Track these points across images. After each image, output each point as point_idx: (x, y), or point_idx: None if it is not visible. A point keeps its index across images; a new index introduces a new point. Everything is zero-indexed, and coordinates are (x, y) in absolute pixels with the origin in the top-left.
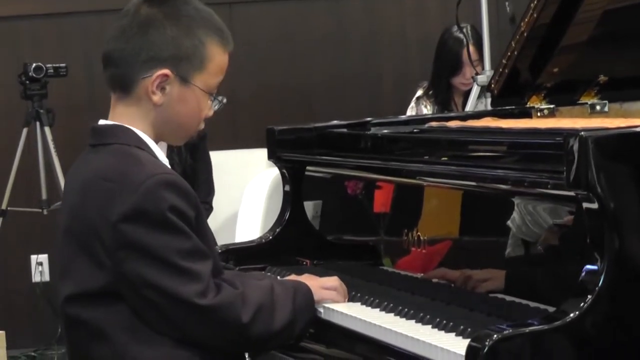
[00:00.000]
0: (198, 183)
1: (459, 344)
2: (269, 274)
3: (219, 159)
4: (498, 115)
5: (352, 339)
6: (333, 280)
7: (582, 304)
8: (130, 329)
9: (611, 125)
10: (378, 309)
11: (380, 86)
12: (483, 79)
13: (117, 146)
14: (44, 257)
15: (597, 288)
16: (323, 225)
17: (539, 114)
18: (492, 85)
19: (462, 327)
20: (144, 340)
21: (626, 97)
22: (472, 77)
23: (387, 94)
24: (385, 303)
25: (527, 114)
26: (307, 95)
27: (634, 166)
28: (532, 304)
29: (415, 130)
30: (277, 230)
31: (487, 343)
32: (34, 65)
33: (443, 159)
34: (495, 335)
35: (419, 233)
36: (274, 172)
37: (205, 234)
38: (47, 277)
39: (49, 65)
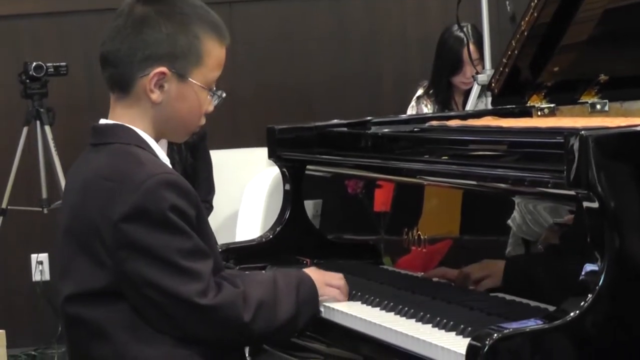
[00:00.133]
0: (198, 182)
1: (459, 343)
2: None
3: (219, 158)
4: (498, 115)
5: (352, 338)
6: (338, 278)
7: (582, 303)
8: (131, 327)
9: (611, 125)
10: (378, 308)
11: (381, 85)
12: (483, 78)
13: (118, 145)
14: (44, 256)
15: (597, 287)
16: (323, 224)
17: (539, 113)
18: (493, 84)
19: (462, 326)
20: (145, 339)
21: (626, 96)
22: (473, 76)
23: (387, 93)
24: (386, 302)
25: (527, 113)
26: (307, 94)
27: (635, 165)
28: (533, 303)
29: (415, 130)
30: (278, 229)
31: (487, 342)
32: (34, 64)
33: (443, 158)
34: (495, 335)
35: (419, 232)
36: (274, 171)
37: (206, 233)
38: (47, 276)
39: (49, 64)
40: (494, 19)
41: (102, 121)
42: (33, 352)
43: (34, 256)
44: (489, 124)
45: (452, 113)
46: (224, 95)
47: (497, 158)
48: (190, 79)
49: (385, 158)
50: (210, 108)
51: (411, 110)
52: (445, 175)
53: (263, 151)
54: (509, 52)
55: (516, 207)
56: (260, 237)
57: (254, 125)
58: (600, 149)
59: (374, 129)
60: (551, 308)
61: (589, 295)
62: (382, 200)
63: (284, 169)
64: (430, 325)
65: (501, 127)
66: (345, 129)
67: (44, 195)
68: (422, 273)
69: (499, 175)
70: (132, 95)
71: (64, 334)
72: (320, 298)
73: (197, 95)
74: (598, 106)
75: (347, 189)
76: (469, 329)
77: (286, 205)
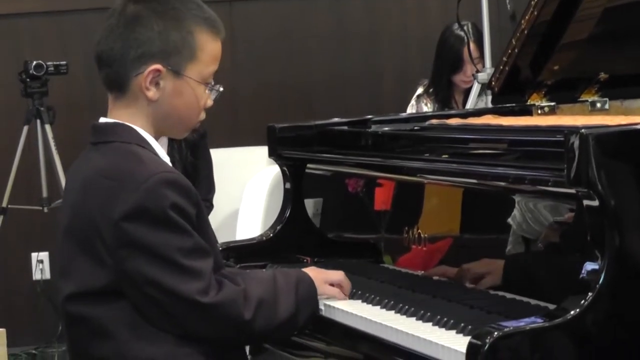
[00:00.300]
0: (199, 181)
1: (460, 342)
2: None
3: (219, 156)
4: (499, 113)
5: (352, 337)
6: (338, 275)
7: (582, 302)
8: (132, 326)
9: (612, 123)
10: (379, 307)
11: (381, 84)
12: (484, 76)
13: (118, 144)
14: (44, 255)
15: (597, 285)
16: (324, 222)
17: (539, 112)
18: (493, 83)
19: (462, 324)
20: (146, 337)
21: (627, 94)
22: (473, 75)
23: (387, 91)
24: (386, 300)
25: (527, 111)
26: (307, 93)
27: (635, 164)
28: (533, 302)
29: (415, 128)
30: (278, 227)
31: (487, 340)
32: (34, 63)
33: (444, 156)
34: (495, 333)
35: (419, 230)
36: (274, 170)
37: (207, 232)
38: (47, 275)
39: (49, 63)
40: (494, 18)
41: (102, 120)
42: (33, 351)
43: (34, 255)
44: (489, 122)
45: (453, 111)
46: (221, 89)
47: (498, 156)
48: (185, 75)
49: (385, 156)
50: (210, 103)
51: (411, 109)
52: (445, 173)
53: (263, 150)
54: (509, 51)
55: (516, 205)
56: (261, 235)
57: (254, 124)
58: (600, 147)
59: (374, 128)
60: (551, 306)
61: (589, 294)
62: (382, 198)
63: (285, 168)
64: (430, 323)
65: (501, 126)
66: (345, 127)
67: (45, 194)
68: (423, 271)
69: (499, 173)
70: (129, 94)
71: (64, 332)
72: (319, 297)
73: (194, 90)
74: (598, 104)
75: (348, 187)
76: (470, 327)
77: (286, 204)
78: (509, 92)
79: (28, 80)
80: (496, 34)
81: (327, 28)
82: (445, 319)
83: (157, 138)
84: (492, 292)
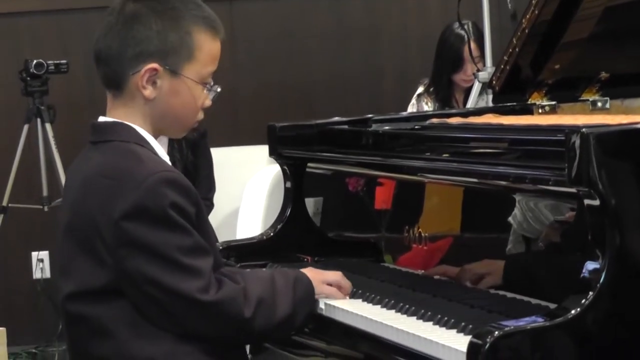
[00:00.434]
0: (199, 180)
1: (460, 341)
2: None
3: (220, 155)
4: (499, 112)
5: (353, 336)
6: (335, 275)
7: (583, 301)
8: (132, 324)
9: (612, 122)
10: (379, 306)
11: (381, 83)
12: (484, 75)
13: (117, 143)
14: (44, 254)
15: (598, 285)
16: (324, 222)
17: (540, 111)
18: (494, 82)
19: (463, 323)
20: (146, 336)
21: (627, 93)
22: (473, 74)
23: (388, 91)
24: (387, 300)
25: (528, 110)
26: (307, 92)
27: (635, 163)
28: (534, 301)
29: (416, 127)
30: (278, 227)
31: (488, 340)
32: (34, 61)
33: (444, 155)
34: (496, 332)
35: (420, 230)
36: (275, 169)
37: (206, 231)
38: (47, 274)
39: (49, 62)
40: (494, 17)
41: (101, 119)
42: (34, 350)
43: (34, 254)
44: (489, 121)
45: (453, 110)
46: (219, 89)
47: (498, 155)
48: (182, 75)
49: (386, 156)
50: (208, 103)
51: (412, 108)
52: (446, 172)
53: (264, 149)
54: (510, 50)
55: (517, 204)
56: (261, 234)
57: (254, 123)
58: (601, 146)
59: (374, 127)
60: (552, 306)
61: (590, 293)
62: (382, 197)
63: (285, 167)
64: (431, 322)
65: (502, 125)
66: (346, 126)
67: (45, 193)
68: (423, 271)
69: (499, 172)
70: (126, 93)
71: (64, 331)
72: (317, 296)
73: (191, 90)
74: (599, 104)
75: (348, 186)
76: (470, 326)
77: (287, 203)
78: (510, 91)
79: (28, 79)
80: (497, 33)
81: (328, 27)
82: (445, 318)
83: (156, 137)
84: (492, 291)
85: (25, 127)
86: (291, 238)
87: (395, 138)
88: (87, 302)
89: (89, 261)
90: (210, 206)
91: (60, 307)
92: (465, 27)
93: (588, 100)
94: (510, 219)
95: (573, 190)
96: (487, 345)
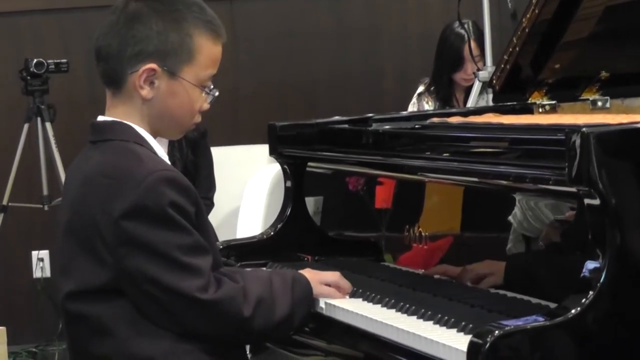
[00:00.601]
0: (199, 179)
1: (461, 340)
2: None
3: (220, 155)
4: (500, 111)
5: (353, 335)
6: (332, 275)
7: (583, 300)
8: (132, 324)
9: (613, 122)
10: (379, 305)
11: (382, 82)
12: (484, 74)
13: (117, 142)
14: (45, 253)
15: (598, 284)
16: (324, 221)
17: (540, 110)
18: (494, 81)
19: (463, 323)
20: (146, 334)
21: (628, 93)
22: (474, 73)
23: (388, 90)
24: (387, 299)
25: (528, 110)
26: (308, 91)
27: (636, 162)
28: (534, 300)
29: (416, 126)
30: (279, 226)
31: (488, 339)
32: (35, 61)
33: (444, 155)
34: (496, 332)
35: (420, 229)
36: (275, 168)
37: (206, 230)
38: (48, 273)
39: (50, 61)
40: (495, 16)
41: (101, 118)
42: (34, 349)
43: (34, 253)
44: (490, 120)
45: (453, 110)
46: (217, 93)
47: (498, 155)
48: (180, 77)
49: (386, 155)
50: (206, 106)
51: (412, 107)
52: (446, 172)
53: (264, 148)
54: (510, 49)
55: (517, 203)
56: (262, 234)
57: (254, 122)
58: (601, 145)
59: (375, 126)
60: (552, 305)
61: (590, 293)
62: (383, 197)
63: (285, 166)
64: (431, 322)
65: (502, 124)
66: (346, 125)
67: (45, 192)
68: (423, 270)
69: (500, 172)
70: (124, 91)
71: (64, 330)
72: (315, 297)
73: (188, 92)
74: (599, 103)
75: (348, 185)
76: (470, 326)
77: (287, 202)
78: (510, 91)
79: (29, 78)
80: (497, 32)
81: (328, 27)
82: (446, 317)
83: (155, 137)
84: (492, 290)
85: (26, 126)
86: (291, 237)
87: (395, 137)
88: (87, 301)
89: (89, 260)
90: (210, 205)
91: (60, 306)
92: (466, 26)
93: (588, 99)
94: (510, 218)
95: (573, 189)
96: (488, 344)
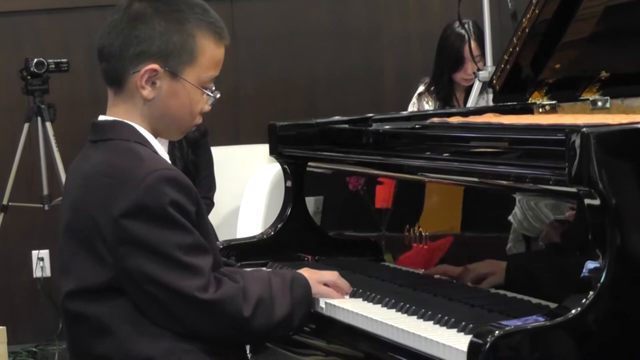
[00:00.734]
0: (200, 179)
1: (461, 340)
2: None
3: (220, 154)
4: (500, 111)
5: (353, 335)
6: (331, 275)
7: (583, 300)
8: (132, 323)
9: (613, 122)
10: (380, 305)
11: (382, 82)
12: (485, 74)
13: (117, 142)
14: (45, 253)
15: (598, 284)
16: (324, 220)
17: (540, 110)
18: (494, 81)
19: (463, 323)
20: (146, 333)
21: (628, 93)
22: (474, 73)
23: (388, 89)
24: (387, 299)
25: (528, 109)
26: (308, 91)
27: (636, 162)
28: (534, 300)
29: (416, 126)
30: (279, 225)
31: (488, 339)
32: (35, 60)
33: (445, 154)
34: (497, 332)
35: (420, 229)
36: (275, 168)
37: (206, 229)
38: (48, 273)
39: (50, 61)
40: (495, 16)
41: (101, 117)
42: (34, 349)
43: (34, 252)
44: (490, 120)
45: (454, 110)
46: (218, 95)
47: (499, 155)
48: (182, 78)
49: (386, 155)
50: (207, 108)
51: (412, 107)
52: (446, 172)
53: (264, 148)
54: (511, 49)
55: (517, 203)
56: (262, 233)
57: (255, 122)
58: (601, 145)
59: (375, 126)
60: (552, 305)
61: (591, 293)
62: (383, 197)
63: (286, 166)
64: (431, 322)
65: (502, 124)
66: (346, 125)
67: (45, 191)
68: (424, 270)
69: (500, 172)
70: (126, 91)
71: (64, 330)
72: (314, 297)
73: (190, 93)
74: (599, 103)
75: (349, 185)
76: (471, 326)
77: (287, 202)
78: (510, 91)
79: (29, 77)
80: (497, 32)
81: (328, 27)
82: (446, 317)
83: (155, 137)
84: (493, 290)
85: (26, 125)
86: (291, 237)
87: (395, 137)
88: (87, 301)
89: (89, 259)
90: (210, 205)
91: (60, 305)
92: (466, 26)
93: (588, 99)
94: (510, 218)
95: (573, 189)
96: (488, 344)
